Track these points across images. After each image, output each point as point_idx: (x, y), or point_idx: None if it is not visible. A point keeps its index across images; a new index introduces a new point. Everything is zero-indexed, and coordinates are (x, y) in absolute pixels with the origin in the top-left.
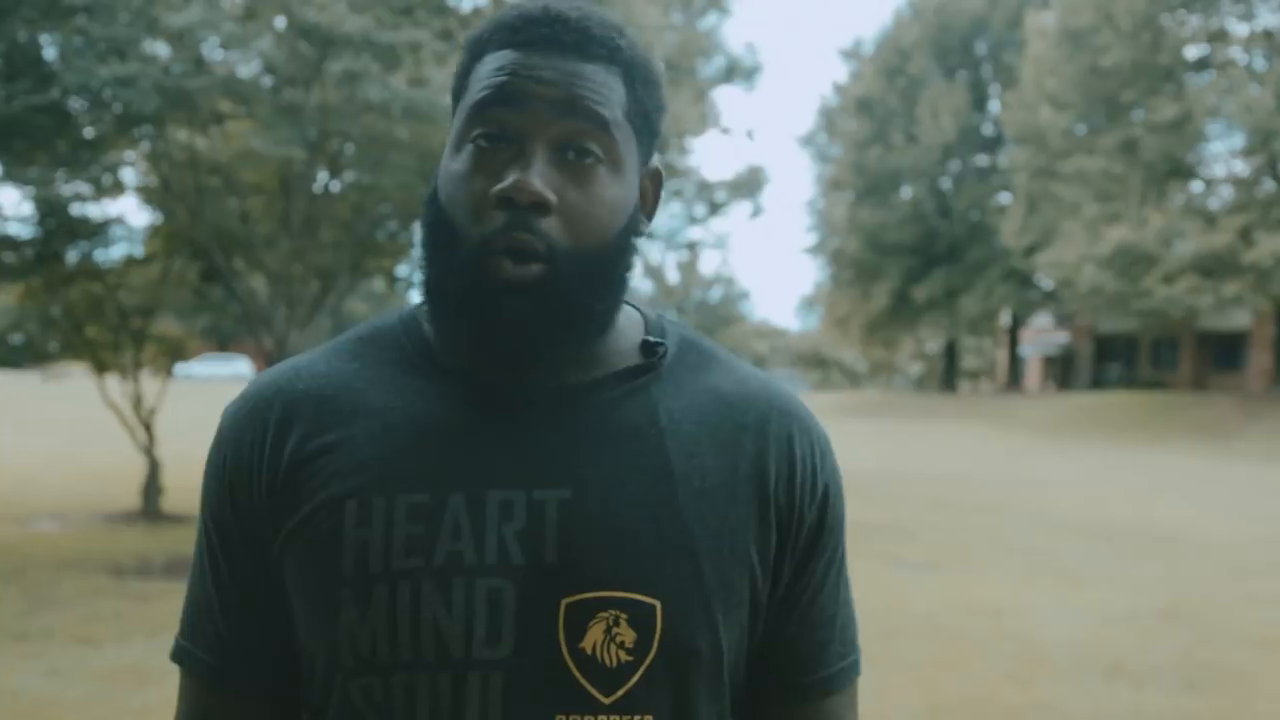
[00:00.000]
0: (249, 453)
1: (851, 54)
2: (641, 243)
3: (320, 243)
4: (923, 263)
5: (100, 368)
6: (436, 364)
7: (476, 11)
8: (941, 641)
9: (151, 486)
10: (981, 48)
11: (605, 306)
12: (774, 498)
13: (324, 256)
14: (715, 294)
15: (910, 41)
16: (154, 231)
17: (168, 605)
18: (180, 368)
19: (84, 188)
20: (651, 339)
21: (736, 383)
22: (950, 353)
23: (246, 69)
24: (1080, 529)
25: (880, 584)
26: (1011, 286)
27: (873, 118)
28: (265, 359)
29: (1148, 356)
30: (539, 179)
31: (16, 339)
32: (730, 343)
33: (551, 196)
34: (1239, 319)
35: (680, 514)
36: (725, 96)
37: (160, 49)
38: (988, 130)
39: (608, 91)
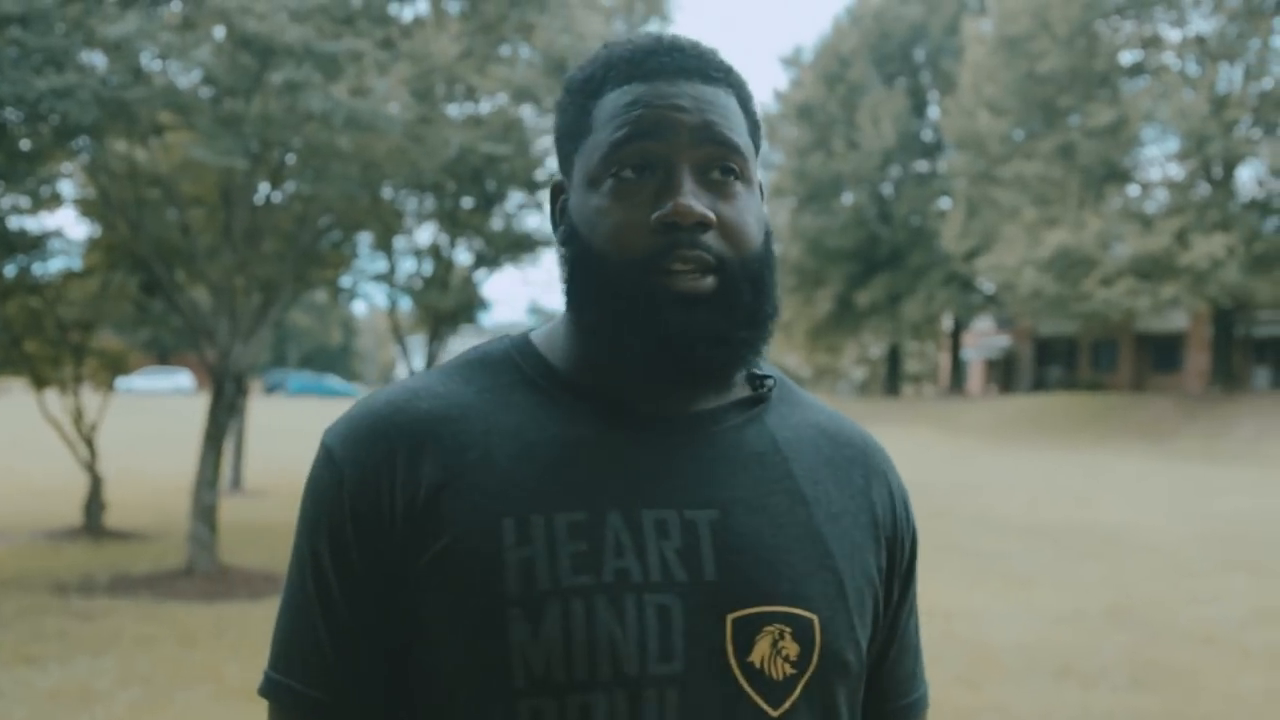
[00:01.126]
0: (376, 476)
1: (792, 61)
2: None
3: (263, 254)
4: (865, 268)
5: (40, 383)
6: (565, 387)
7: (418, 21)
8: None
9: (94, 502)
10: (920, 54)
11: (772, 309)
12: (883, 528)
13: (266, 268)
14: None
15: (850, 48)
16: (93, 244)
17: (111, 623)
18: (121, 382)
19: (21, 200)
20: (758, 371)
21: (830, 419)
22: (893, 357)
23: (186, 79)
24: (1026, 531)
25: None
26: (953, 291)
27: (814, 124)
28: (208, 372)
29: (1088, 358)
30: (695, 199)
31: None
32: None
33: (711, 215)
34: (1176, 321)
35: (820, 534)
36: None
37: (97, 60)
38: (927, 136)
39: (733, 114)
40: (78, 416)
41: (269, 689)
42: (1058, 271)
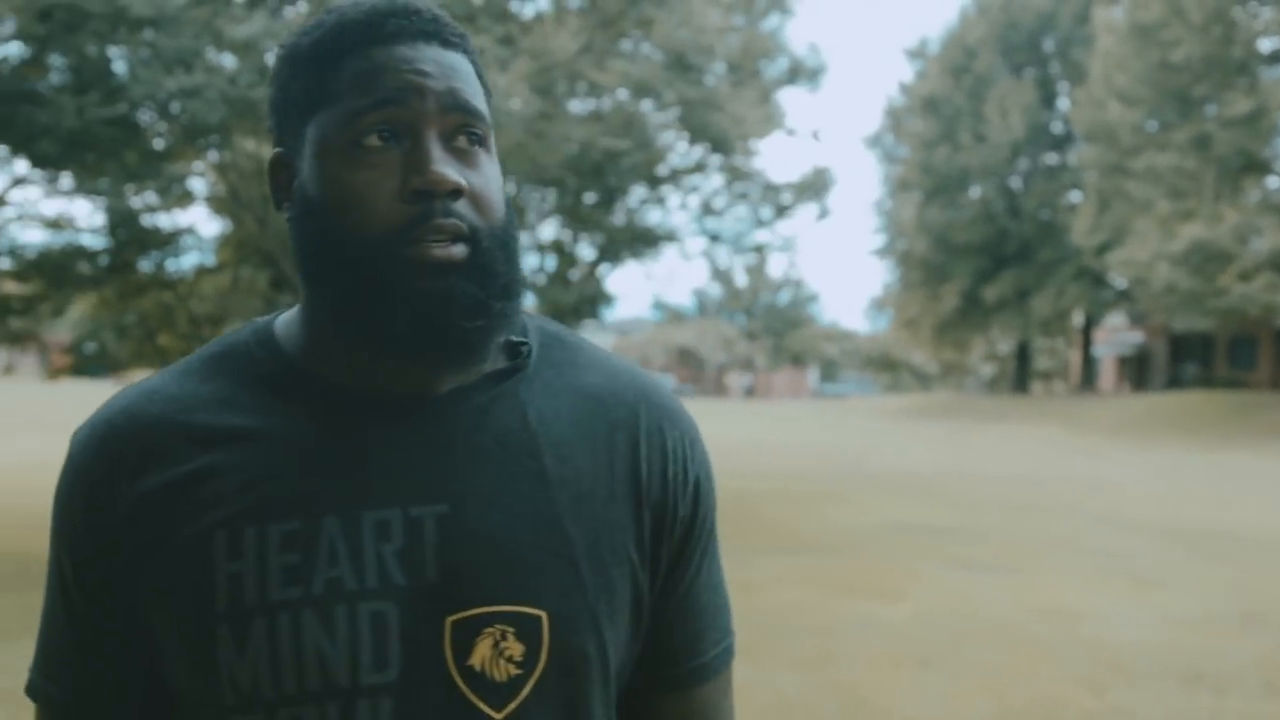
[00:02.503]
0: (103, 484)
1: (917, 53)
2: (708, 245)
3: None
4: (993, 263)
5: None
6: (300, 382)
7: (538, 17)
8: (1012, 646)
9: None
10: (1049, 44)
11: (521, 281)
12: (648, 493)
13: None
14: (784, 297)
15: (976, 39)
16: (223, 240)
17: None
18: None
19: (154, 198)
20: (514, 338)
21: (605, 377)
22: (1022, 354)
23: None
24: (1155, 531)
25: (950, 587)
26: (1084, 286)
27: (940, 117)
28: None
29: (1225, 355)
30: (447, 167)
31: (90, 347)
32: (800, 345)
33: (464, 182)
34: None
35: (559, 520)
36: (790, 98)
37: (226, 60)
38: (1057, 128)
39: (473, 80)
40: None
41: (32, 689)
42: (1193, 266)
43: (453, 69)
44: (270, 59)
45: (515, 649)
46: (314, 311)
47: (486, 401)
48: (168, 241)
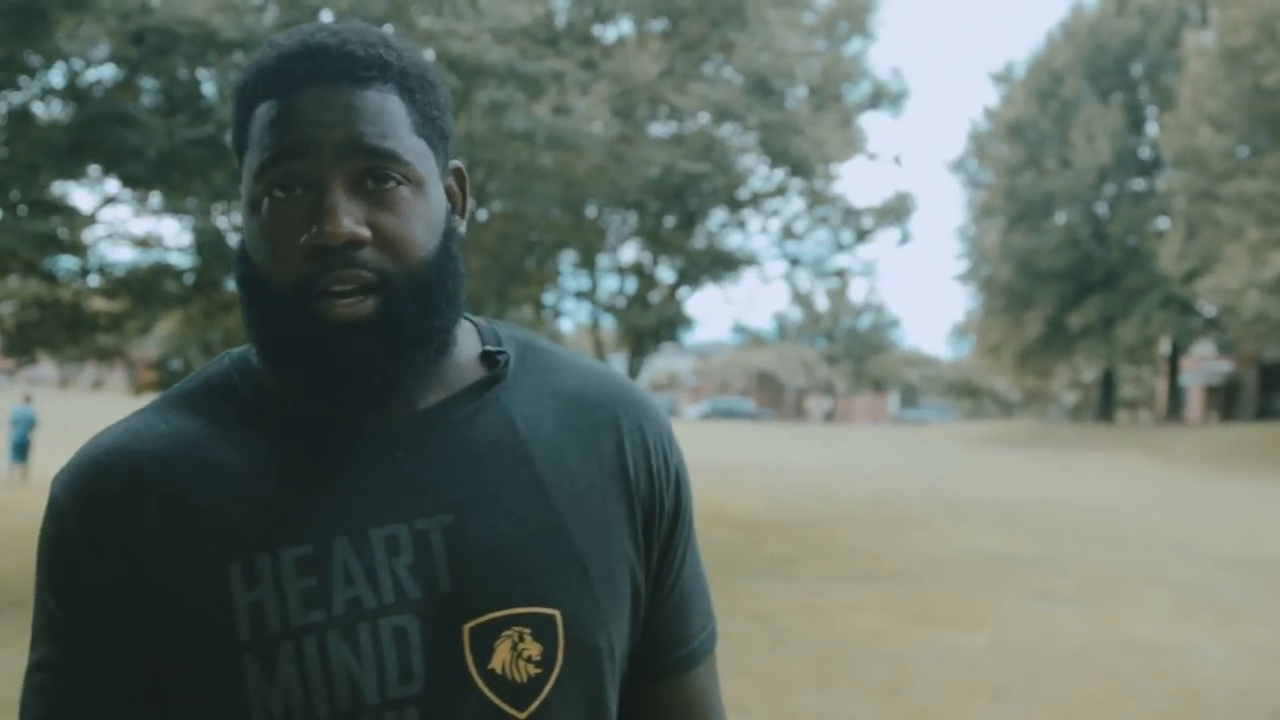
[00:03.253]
0: (97, 526)
1: (1002, 77)
2: (788, 269)
3: (467, 271)
4: (1078, 289)
5: None
6: (282, 411)
7: (620, 41)
8: (1092, 679)
9: None
10: (1137, 69)
11: (445, 321)
12: (637, 490)
13: (470, 284)
14: (864, 322)
15: (1063, 64)
16: None
17: None
18: None
19: (240, 218)
20: (491, 349)
21: (581, 380)
22: (1107, 382)
23: None
24: (1241, 565)
25: (1030, 618)
26: (1171, 313)
27: (1025, 142)
28: None
29: None
30: (346, 218)
31: (175, 364)
32: (880, 370)
33: (364, 231)
34: None
35: (561, 521)
36: (872, 122)
37: None
38: (1145, 153)
39: (387, 116)
40: None
41: None
42: None
43: (358, 110)
44: None
45: (533, 649)
46: None
47: (472, 412)
48: None
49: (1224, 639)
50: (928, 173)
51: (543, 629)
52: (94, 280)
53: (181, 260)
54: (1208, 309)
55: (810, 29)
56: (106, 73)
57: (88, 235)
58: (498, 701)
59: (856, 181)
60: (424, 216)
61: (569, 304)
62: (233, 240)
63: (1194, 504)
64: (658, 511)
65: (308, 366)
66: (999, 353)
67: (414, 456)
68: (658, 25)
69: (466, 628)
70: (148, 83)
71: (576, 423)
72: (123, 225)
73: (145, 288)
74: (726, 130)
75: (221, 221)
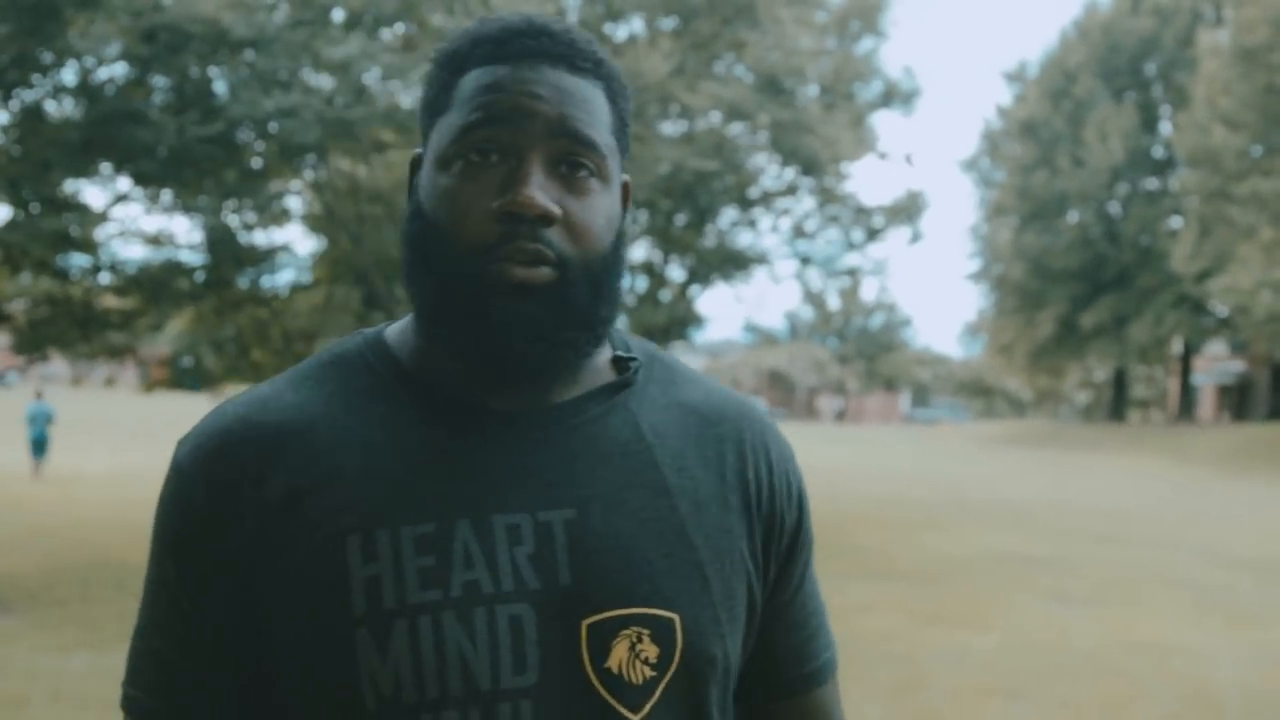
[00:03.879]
0: (223, 493)
1: (1015, 76)
2: (799, 267)
3: None
4: (1090, 289)
5: None
6: (416, 388)
7: (631, 39)
8: (1103, 680)
9: None
10: (1151, 68)
11: (608, 314)
12: (758, 503)
13: None
14: (876, 321)
15: (1076, 63)
16: (318, 258)
17: None
18: None
19: (251, 216)
20: (622, 354)
21: (705, 395)
22: (1119, 381)
23: (407, 98)
24: (1254, 566)
25: (1042, 619)
26: (1183, 313)
27: (1038, 141)
28: None
29: None
30: (541, 192)
31: (186, 362)
32: (892, 370)
33: (556, 209)
34: None
35: (683, 526)
36: (883, 121)
37: (323, 81)
38: (1158, 152)
39: (595, 108)
40: None
41: (125, 703)
42: None
43: (570, 95)
44: (366, 80)
45: (651, 651)
46: (416, 320)
47: (602, 413)
48: (263, 259)
49: (1236, 640)
50: (940, 171)
51: (661, 631)
52: (105, 278)
53: (193, 258)
54: (1220, 309)
55: (822, 28)
56: (118, 70)
57: (99, 233)
58: (611, 701)
59: (868, 180)
60: (606, 211)
61: None
62: (243, 238)
63: (1207, 505)
64: (778, 527)
65: (476, 327)
66: (1011, 352)
67: (543, 448)
68: (669, 24)
69: (585, 624)
70: (159, 80)
71: (701, 434)
72: (134, 223)
73: (156, 285)
74: (737, 129)
75: (233, 219)
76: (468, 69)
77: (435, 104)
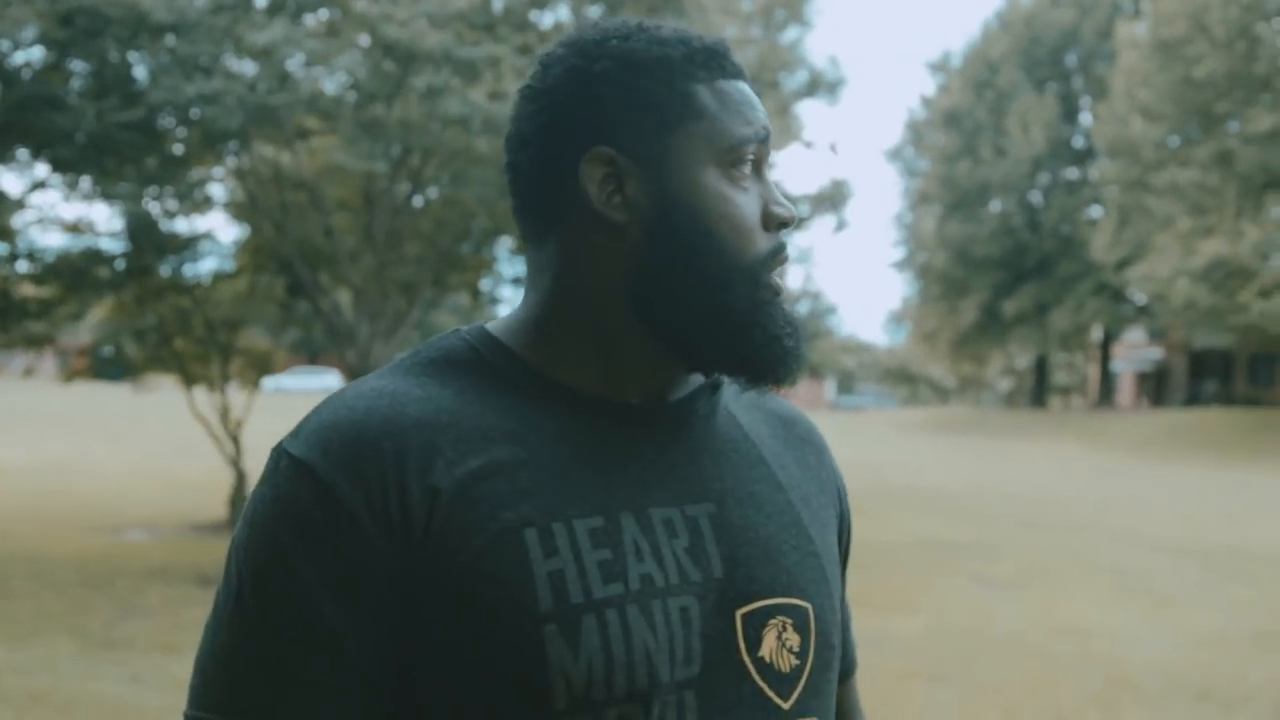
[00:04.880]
0: (375, 490)
1: (939, 67)
2: None
3: (403, 257)
4: (1012, 277)
5: (189, 380)
6: (550, 384)
7: (557, 26)
8: (1026, 662)
9: (238, 497)
10: (1072, 59)
11: None
12: (837, 501)
13: (407, 271)
14: (802, 309)
15: (999, 54)
16: (241, 246)
17: None
18: (270, 381)
19: (173, 203)
20: None
21: (773, 400)
22: (1041, 368)
23: (330, 85)
24: (1172, 549)
25: (965, 603)
26: (1103, 301)
27: (961, 131)
28: (349, 373)
29: (1244, 372)
30: None
31: (107, 351)
32: (817, 357)
33: None
34: None
35: (800, 520)
36: (808, 110)
37: (246, 66)
38: (1078, 143)
39: None
40: (225, 413)
41: None
42: (1213, 283)
43: None
44: (290, 66)
45: (794, 640)
46: (566, 319)
47: (709, 411)
48: (186, 247)
49: (1155, 622)
50: (865, 161)
51: (800, 620)
52: (23, 266)
53: (113, 246)
54: (1139, 297)
55: (747, 16)
56: (34, 55)
57: (16, 220)
58: (766, 689)
59: (793, 169)
60: None
61: (506, 290)
62: (165, 226)
63: (1126, 489)
64: (846, 525)
65: (769, 334)
66: (935, 339)
67: (676, 445)
68: (594, 11)
69: (739, 613)
70: (77, 65)
71: (784, 434)
72: (52, 210)
73: (76, 274)
74: None
75: (154, 207)
76: (701, 77)
77: (667, 106)
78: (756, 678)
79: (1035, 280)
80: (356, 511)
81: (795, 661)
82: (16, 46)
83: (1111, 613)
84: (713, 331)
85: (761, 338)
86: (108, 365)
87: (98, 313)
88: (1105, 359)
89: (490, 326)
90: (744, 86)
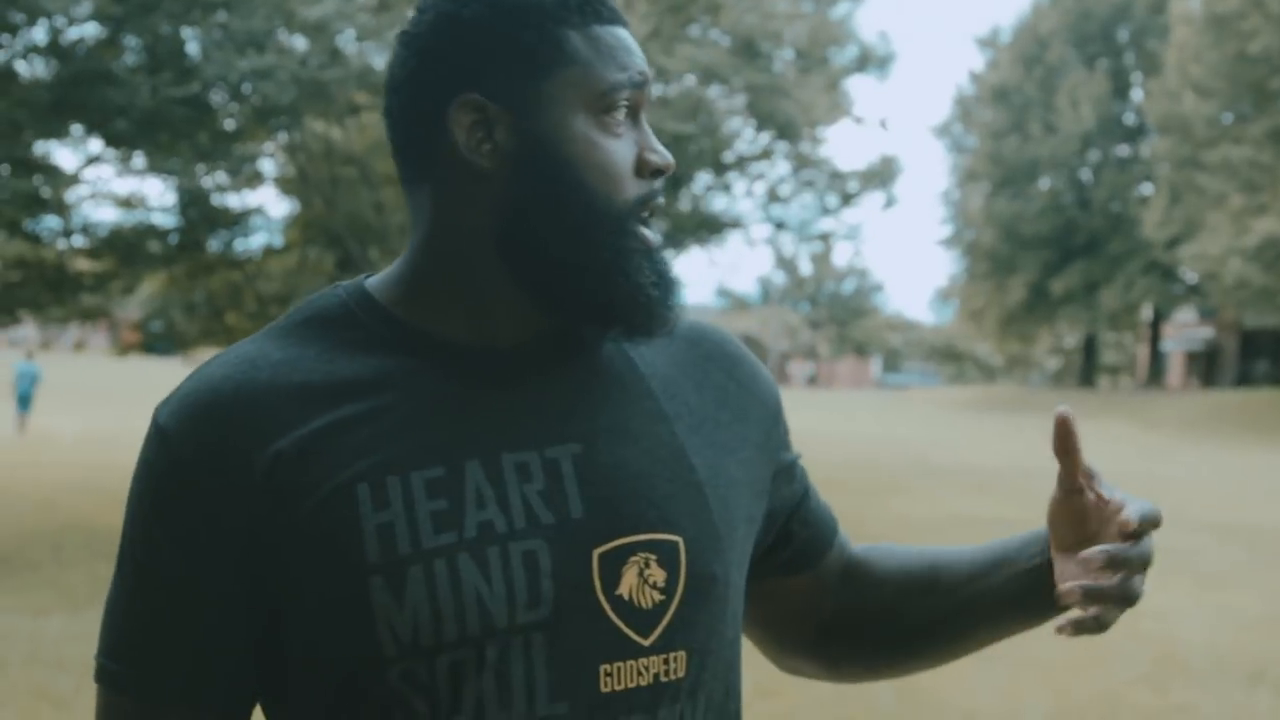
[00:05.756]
0: (218, 453)
1: (988, 42)
2: (773, 232)
3: None
4: (1061, 255)
5: None
6: (413, 336)
7: None
8: (1074, 642)
9: None
10: (1123, 35)
11: None
12: (751, 413)
13: None
14: (848, 286)
15: (1049, 29)
16: (291, 221)
17: None
18: None
19: (224, 178)
20: None
21: (682, 322)
22: (1089, 347)
23: (381, 60)
24: (1220, 530)
25: None
26: (1153, 280)
27: (1010, 107)
28: None
29: None
30: None
31: (158, 325)
32: (863, 335)
33: None
34: None
35: (682, 450)
36: (858, 86)
37: (297, 42)
38: (1129, 119)
39: None
40: None
41: (103, 676)
42: (1266, 261)
43: None
44: (341, 41)
45: (658, 575)
46: (436, 268)
47: (591, 349)
48: (236, 221)
49: (1203, 603)
50: (913, 137)
51: (667, 555)
52: (78, 240)
53: (165, 220)
54: (1190, 275)
55: None
56: (89, 30)
57: (71, 195)
58: (623, 627)
59: (842, 145)
60: None
61: None
62: (217, 200)
63: (1174, 470)
64: (773, 431)
65: (630, 285)
66: (982, 318)
67: (543, 386)
68: None
69: (596, 553)
70: (131, 41)
71: (686, 357)
72: (106, 185)
73: (129, 248)
74: (713, 92)
75: (206, 181)
76: (574, 23)
77: (537, 53)
78: (612, 616)
79: (1084, 258)
80: (201, 478)
81: (660, 597)
82: (71, 22)
83: (1160, 594)
84: (576, 280)
85: (626, 286)
86: (158, 339)
87: (149, 287)
88: (1155, 338)
89: (370, 280)
90: (620, 32)
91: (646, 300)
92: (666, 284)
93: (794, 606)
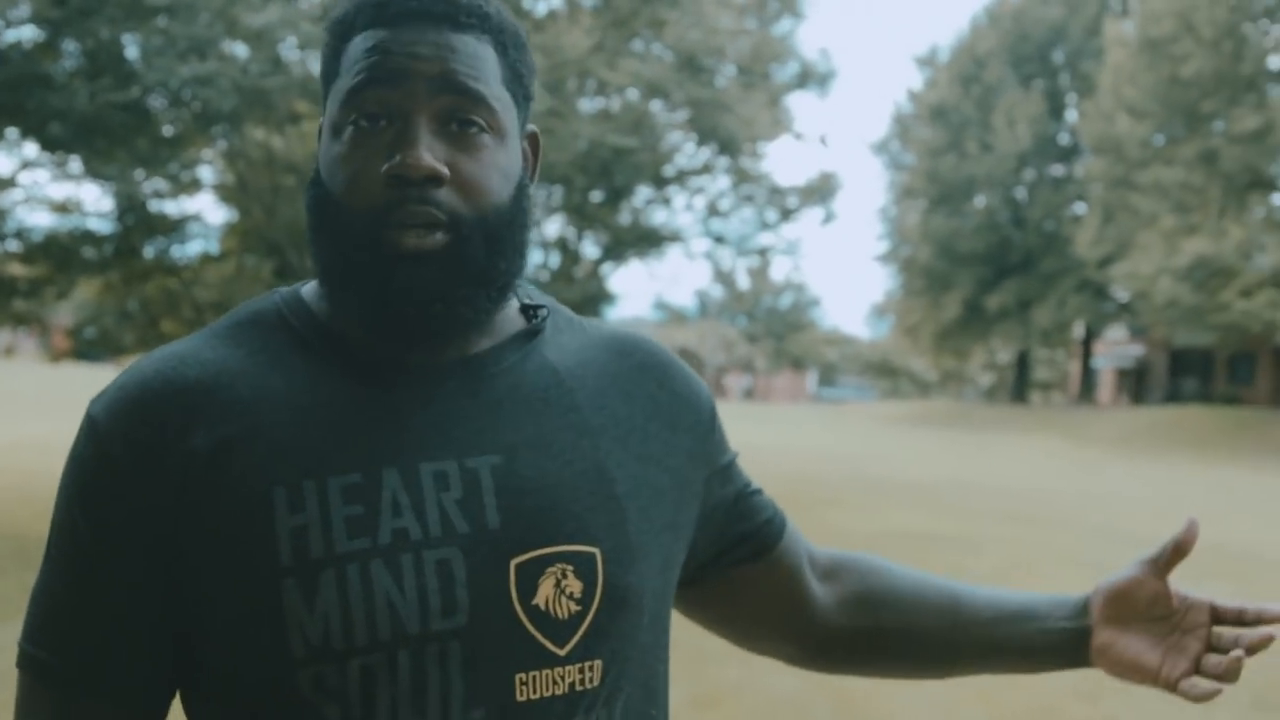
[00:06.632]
0: (142, 449)
1: (927, 61)
2: (712, 246)
3: None
4: (995, 272)
5: None
6: (337, 344)
7: (551, 15)
8: None
9: None
10: (1059, 56)
11: (510, 266)
12: (682, 420)
13: None
14: (785, 300)
15: (986, 49)
16: (229, 229)
17: None
18: None
19: (162, 185)
20: (529, 303)
21: (608, 334)
22: (1022, 364)
23: None
24: (1151, 543)
25: None
26: (1085, 298)
27: (947, 125)
28: None
29: (1224, 371)
30: (428, 152)
31: (92, 331)
32: (800, 349)
33: (443, 169)
34: None
35: (603, 463)
36: (798, 102)
37: (239, 49)
38: (1064, 140)
39: (481, 62)
40: None
41: (24, 662)
42: (1195, 281)
43: (454, 51)
44: (283, 49)
45: (575, 586)
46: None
47: (518, 360)
48: (174, 228)
49: None
50: (852, 154)
51: (584, 566)
52: (11, 245)
53: (101, 226)
54: (1121, 294)
55: (741, 8)
56: (26, 34)
57: (4, 199)
58: (539, 637)
59: (782, 161)
60: (501, 166)
61: None
62: (154, 207)
63: (1107, 485)
64: (704, 433)
65: (373, 292)
66: (917, 333)
67: (465, 398)
68: (589, 1)
69: (513, 563)
70: (70, 45)
71: (616, 368)
72: (41, 190)
73: (63, 253)
74: (655, 107)
75: (144, 188)
76: (351, 34)
77: (327, 72)
78: (528, 625)
79: (1018, 276)
80: (125, 471)
81: (576, 608)
82: (8, 25)
83: None
84: (342, 286)
85: (380, 295)
86: (92, 346)
87: (84, 292)
88: (1086, 355)
89: (306, 287)
90: (390, 32)
91: (401, 305)
92: (427, 290)
93: (758, 595)
